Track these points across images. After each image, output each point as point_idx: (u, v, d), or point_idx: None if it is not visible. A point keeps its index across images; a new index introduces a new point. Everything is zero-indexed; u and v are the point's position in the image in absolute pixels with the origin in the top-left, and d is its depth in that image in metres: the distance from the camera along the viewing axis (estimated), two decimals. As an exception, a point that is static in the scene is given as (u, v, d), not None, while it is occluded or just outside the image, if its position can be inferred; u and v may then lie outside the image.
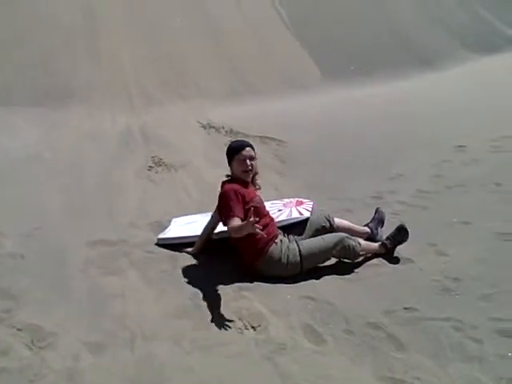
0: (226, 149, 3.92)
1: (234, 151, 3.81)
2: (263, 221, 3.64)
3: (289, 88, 9.85)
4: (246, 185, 3.77)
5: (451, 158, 6.36)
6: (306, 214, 4.12)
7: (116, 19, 9.74)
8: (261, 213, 3.69)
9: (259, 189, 3.95)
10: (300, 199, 4.48)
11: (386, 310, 3.17)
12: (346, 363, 2.70)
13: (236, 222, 3.46)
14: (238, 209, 3.54)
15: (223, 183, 3.82)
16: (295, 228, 4.02)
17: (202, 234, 3.97)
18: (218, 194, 3.78)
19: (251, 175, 3.84)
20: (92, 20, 9.44)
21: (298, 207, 4.24)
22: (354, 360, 2.73)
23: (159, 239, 4.18)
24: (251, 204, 3.63)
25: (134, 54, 9.19)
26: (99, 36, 9.21)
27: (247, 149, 3.81)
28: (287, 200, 4.47)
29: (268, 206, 4.26)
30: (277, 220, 4.08)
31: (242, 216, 3.51)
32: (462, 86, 10.81)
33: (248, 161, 3.77)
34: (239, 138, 4.00)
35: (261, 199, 3.83)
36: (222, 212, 3.66)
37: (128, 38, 9.47)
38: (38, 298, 3.26)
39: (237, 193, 3.61)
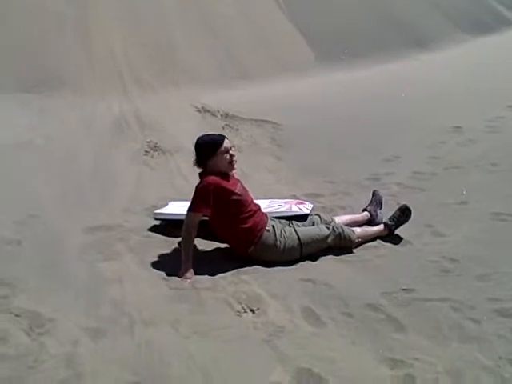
0: (197, 147, 3.74)
1: (215, 146, 3.67)
2: (248, 210, 3.65)
3: (283, 71, 9.80)
4: (226, 176, 3.69)
5: (447, 139, 6.37)
6: (306, 211, 4.10)
7: (107, 5, 9.63)
8: (245, 204, 3.67)
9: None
10: (300, 200, 4.45)
11: (384, 292, 3.17)
12: (345, 345, 2.70)
13: (197, 218, 3.55)
14: (205, 206, 3.55)
15: (203, 175, 3.69)
16: (293, 220, 3.98)
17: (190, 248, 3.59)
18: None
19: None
20: (83, 6, 9.33)
21: (298, 205, 4.22)
22: (354, 342, 2.72)
23: (155, 213, 4.24)
24: (234, 197, 3.61)
25: (126, 40, 9.09)
26: (90, 22, 9.09)
27: (226, 141, 3.71)
28: (288, 200, 4.44)
29: (267, 202, 4.26)
30: (276, 211, 4.07)
31: (209, 212, 3.57)
32: (457, 67, 10.81)
33: (231, 151, 3.71)
34: (207, 133, 3.93)
35: (243, 187, 3.79)
36: (193, 201, 3.59)
37: (120, 24, 9.36)
38: (36, 285, 3.24)
39: (214, 190, 3.55)
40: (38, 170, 5.26)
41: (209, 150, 3.68)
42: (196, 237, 3.60)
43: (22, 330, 2.75)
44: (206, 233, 3.81)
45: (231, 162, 3.71)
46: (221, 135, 3.81)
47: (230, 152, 3.70)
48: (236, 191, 3.63)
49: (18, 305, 2.98)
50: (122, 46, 8.92)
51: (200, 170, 3.76)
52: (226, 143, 3.70)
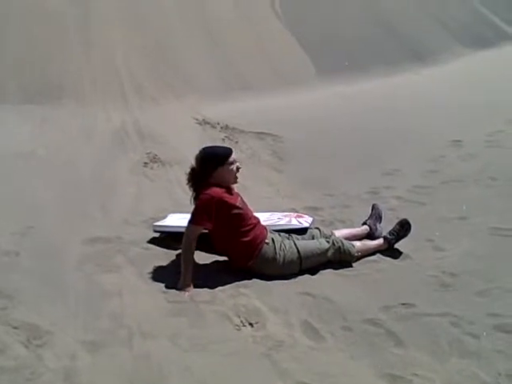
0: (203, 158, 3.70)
1: (225, 156, 3.68)
2: (249, 223, 3.65)
3: (283, 84, 9.83)
4: (228, 189, 3.69)
5: (447, 153, 6.37)
6: (305, 225, 4.09)
7: (109, 16, 9.68)
8: (245, 217, 3.66)
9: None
10: (300, 214, 4.45)
11: (383, 306, 3.16)
12: (344, 360, 2.69)
13: (197, 231, 3.53)
14: (207, 219, 3.53)
15: (205, 187, 3.62)
16: (293, 234, 3.97)
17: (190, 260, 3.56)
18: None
19: None
20: (85, 16, 9.39)
21: (297, 219, 4.21)
22: (353, 356, 2.71)
23: (155, 226, 4.23)
24: (235, 211, 3.60)
25: (128, 51, 9.15)
26: (92, 33, 9.16)
27: (233, 153, 3.73)
28: (287, 213, 4.44)
29: (267, 215, 4.25)
30: (276, 224, 4.06)
31: (210, 226, 3.55)
32: (457, 80, 10.83)
33: (238, 164, 3.74)
34: (212, 145, 3.99)
35: (243, 201, 3.78)
36: (195, 214, 3.56)
37: (121, 34, 9.42)
38: (34, 296, 3.23)
39: (217, 202, 3.53)
40: (38, 180, 5.26)
41: (217, 160, 3.67)
42: (196, 249, 3.59)
43: (19, 342, 2.74)
44: (205, 245, 3.80)
45: (236, 175, 3.73)
46: (229, 148, 3.86)
47: (237, 164, 3.72)
48: (237, 205, 3.63)
49: (16, 317, 2.96)
50: (123, 56, 8.96)
51: (190, 186, 3.73)
52: (234, 155, 3.74)
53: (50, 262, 3.72)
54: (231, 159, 3.69)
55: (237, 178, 3.75)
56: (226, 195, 3.62)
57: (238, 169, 3.73)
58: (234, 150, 3.82)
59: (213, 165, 3.66)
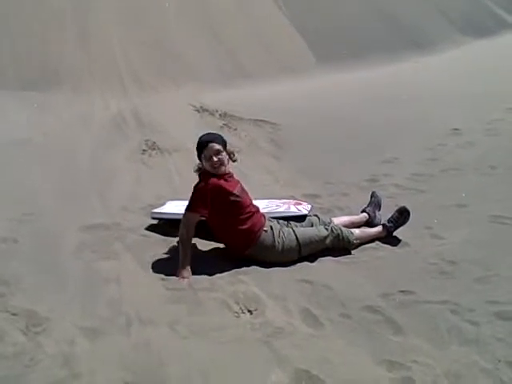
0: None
1: (200, 148, 3.65)
2: (247, 211, 3.64)
3: (283, 72, 9.80)
4: (225, 177, 3.66)
5: (446, 141, 6.36)
6: (304, 212, 4.08)
7: (107, 3, 9.61)
8: (243, 205, 3.65)
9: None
10: (298, 201, 4.44)
11: (382, 294, 3.15)
12: (343, 347, 2.69)
13: (194, 218, 3.55)
14: (202, 206, 3.54)
15: (204, 175, 3.64)
16: (292, 221, 3.96)
17: (188, 247, 3.57)
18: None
19: (223, 168, 3.65)
20: (83, 3, 9.32)
21: (296, 206, 4.20)
22: (352, 343, 2.71)
23: (153, 213, 4.23)
24: (232, 198, 3.59)
25: (125, 38, 9.10)
26: (90, 20, 9.10)
27: (210, 145, 3.60)
28: (286, 200, 4.43)
29: (265, 203, 4.24)
30: (275, 211, 4.06)
31: (206, 213, 3.56)
32: (456, 69, 10.81)
33: (214, 157, 3.60)
34: (210, 131, 3.89)
35: (242, 188, 3.76)
36: (191, 201, 3.57)
37: (119, 22, 9.36)
38: (32, 283, 3.23)
39: (212, 189, 3.53)
40: (35, 167, 5.25)
41: (197, 150, 3.69)
42: (194, 237, 3.58)
43: (18, 329, 2.74)
44: (204, 233, 3.80)
45: (214, 167, 3.61)
46: (210, 139, 3.69)
47: (214, 158, 3.59)
48: (234, 192, 3.61)
49: (14, 303, 2.96)
50: (121, 43, 8.92)
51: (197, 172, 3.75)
52: (210, 148, 3.61)
53: (48, 248, 3.71)
54: (205, 152, 3.60)
55: (215, 167, 3.61)
56: (223, 182, 3.60)
57: (213, 161, 3.59)
58: (218, 139, 3.69)
59: (198, 153, 3.69)
